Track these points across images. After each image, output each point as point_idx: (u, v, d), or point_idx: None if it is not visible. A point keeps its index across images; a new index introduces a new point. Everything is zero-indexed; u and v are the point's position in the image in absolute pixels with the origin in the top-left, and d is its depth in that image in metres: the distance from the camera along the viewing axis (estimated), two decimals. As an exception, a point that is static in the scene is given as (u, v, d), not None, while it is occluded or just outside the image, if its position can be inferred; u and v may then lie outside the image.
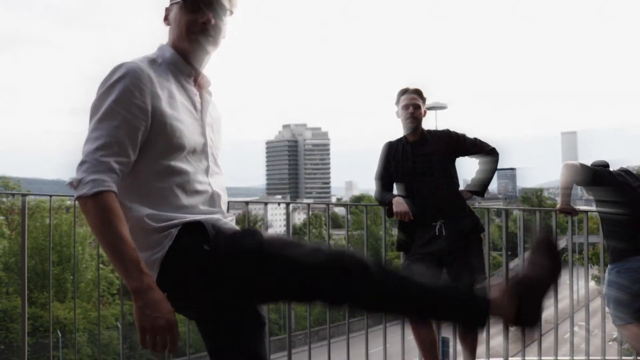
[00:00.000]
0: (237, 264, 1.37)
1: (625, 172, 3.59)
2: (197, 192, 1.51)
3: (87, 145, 1.37)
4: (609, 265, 3.48)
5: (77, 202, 1.35)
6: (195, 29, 1.52)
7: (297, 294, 1.43)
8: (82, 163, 1.35)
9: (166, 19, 1.59)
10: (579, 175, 3.43)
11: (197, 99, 1.58)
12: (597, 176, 3.46)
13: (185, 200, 1.47)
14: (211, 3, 1.52)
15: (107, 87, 1.40)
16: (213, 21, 1.53)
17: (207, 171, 1.56)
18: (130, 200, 1.42)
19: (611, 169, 3.65)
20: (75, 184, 1.35)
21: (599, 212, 3.60)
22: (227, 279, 1.38)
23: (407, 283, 1.37)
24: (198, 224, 1.44)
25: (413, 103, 3.27)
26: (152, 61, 1.52)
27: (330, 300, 1.42)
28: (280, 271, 1.36)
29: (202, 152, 1.55)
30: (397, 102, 3.36)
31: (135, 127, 1.39)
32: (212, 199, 1.55)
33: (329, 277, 1.34)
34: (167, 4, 1.60)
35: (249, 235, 1.46)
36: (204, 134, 1.56)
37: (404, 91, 3.33)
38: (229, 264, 1.38)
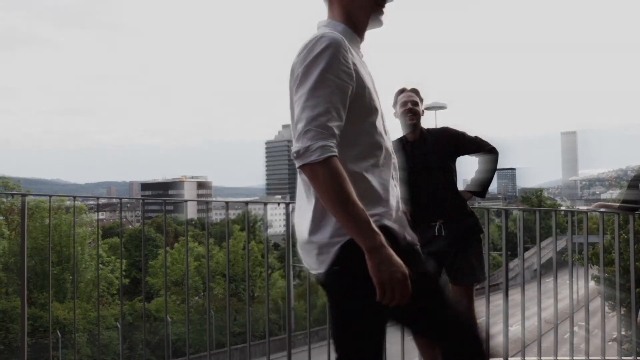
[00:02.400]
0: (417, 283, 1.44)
1: None
2: (385, 149, 1.58)
3: (305, 112, 1.40)
4: None
5: (300, 170, 1.40)
6: (380, 2, 1.59)
7: (431, 334, 1.62)
8: (306, 131, 1.38)
9: None
10: None
11: (368, 69, 1.64)
12: None
13: (381, 169, 1.55)
14: None
15: (313, 57, 1.43)
16: None
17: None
18: (344, 161, 1.45)
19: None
20: (301, 152, 1.38)
21: None
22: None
23: None
24: (385, 228, 1.48)
25: (411, 100, 3.26)
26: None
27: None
28: (435, 310, 1.53)
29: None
30: (395, 103, 3.35)
31: (345, 93, 1.44)
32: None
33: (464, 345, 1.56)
34: None
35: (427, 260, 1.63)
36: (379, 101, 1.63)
37: (401, 90, 3.33)
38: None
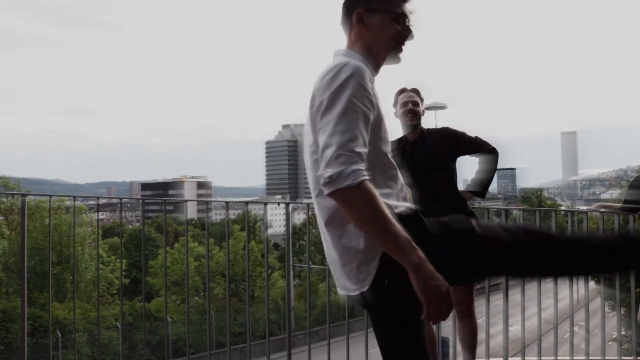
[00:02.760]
0: (455, 245, 1.51)
1: None
2: (399, 180, 1.64)
3: (335, 137, 1.40)
4: None
5: (330, 194, 1.39)
6: (400, 41, 1.64)
7: (509, 269, 1.64)
8: (338, 156, 1.38)
9: (360, 21, 1.63)
10: None
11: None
12: None
13: (395, 189, 1.60)
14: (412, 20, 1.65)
15: (340, 84, 1.45)
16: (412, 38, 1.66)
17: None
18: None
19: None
20: (334, 177, 1.37)
21: None
22: (445, 260, 1.46)
23: (587, 245, 1.64)
24: (415, 213, 1.55)
25: (412, 100, 3.26)
26: None
27: (538, 271, 1.67)
28: (490, 250, 1.54)
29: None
30: (395, 103, 3.35)
31: (368, 119, 1.47)
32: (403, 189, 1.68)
33: (532, 252, 1.58)
34: (362, 7, 1.64)
35: (460, 221, 1.62)
36: None
37: (402, 90, 3.32)
38: (448, 245, 1.51)
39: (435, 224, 1.56)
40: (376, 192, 1.38)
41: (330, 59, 1.62)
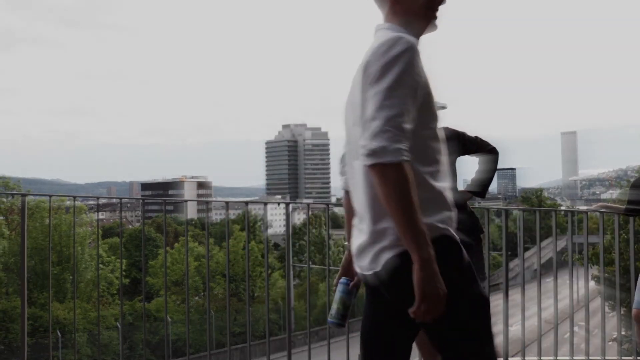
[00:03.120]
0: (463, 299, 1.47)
1: None
2: (442, 161, 1.59)
3: (383, 111, 1.40)
4: None
5: (369, 166, 1.39)
6: (433, 7, 1.62)
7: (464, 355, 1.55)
8: (383, 131, 1.38)
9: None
10: None
11: None
12: None
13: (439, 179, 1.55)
14: None
15: (392, 57, 1.44)
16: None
17: None
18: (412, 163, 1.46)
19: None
20: (377, 151, 1.37)
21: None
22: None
23: None
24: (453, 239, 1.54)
25: None
26: None
27: None
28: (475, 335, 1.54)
29: None
30: None
31: (416, 97, 1.46)
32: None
33: None
34: None
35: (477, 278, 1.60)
36: None
37: None
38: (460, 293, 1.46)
39: (467, 259, 1.54)
40: (411, 176, 1.38)
41: (370, 36, 1.63)
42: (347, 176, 1.78)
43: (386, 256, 1.48)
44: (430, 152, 1.53)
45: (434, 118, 1.55)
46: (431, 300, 1.38)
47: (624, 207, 3.81)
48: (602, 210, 4.03)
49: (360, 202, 1.59)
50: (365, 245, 1.55)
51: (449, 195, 1.57)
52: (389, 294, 1.55)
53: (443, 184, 1.54)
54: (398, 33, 1.52)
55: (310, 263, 5.28)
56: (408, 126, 1.41)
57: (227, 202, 4.02)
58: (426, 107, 1.51)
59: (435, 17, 1.63)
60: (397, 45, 1.45)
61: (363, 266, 1.57)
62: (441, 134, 1.60)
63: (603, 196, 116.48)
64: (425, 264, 1.37)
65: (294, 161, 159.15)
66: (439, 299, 1.38)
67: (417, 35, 1.62)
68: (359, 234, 1.60)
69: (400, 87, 1.42)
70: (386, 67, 1.43)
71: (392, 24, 1.61)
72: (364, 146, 1.40)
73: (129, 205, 60.36)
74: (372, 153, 1.38)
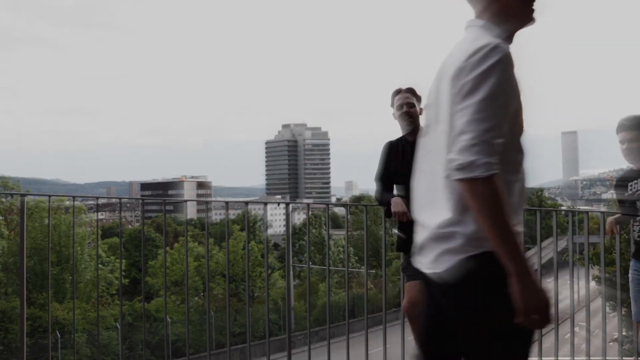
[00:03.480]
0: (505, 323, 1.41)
1: None
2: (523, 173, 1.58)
3: (473, 125, 1.37)
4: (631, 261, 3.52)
5: (458, 181, 1.37)
6: (532, 6, 1.54)
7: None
8: (473, 145, 1.36)
9: None
10: None
11: None
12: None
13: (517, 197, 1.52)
14: None
15: (487, 68, 1.39)
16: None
17: None
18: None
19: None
20: (465, 165, 1.36)
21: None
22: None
23: None
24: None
25: (407, 102, 3.26)
26: None
27: None
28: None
29: None
30: (392, 104, 3.35)
31: (509, 109, 1.43)
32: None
33: None
34: None
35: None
36: None
37: (397, 91, 3.32)
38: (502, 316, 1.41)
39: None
40: (502, 188, 1.37)
41: (461, 32, 1.58)
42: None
43: (450, 259, 1.47)
44: (516, 161, 1.53)
45: (522, 130, 1.53)
46: (536, 311, 1.37)
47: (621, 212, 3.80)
48: (603, 209, 4.03)
49: (426, 199, 1.58)
50: (428, 243, 1.54)
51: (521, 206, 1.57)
52: (444, 298, 1.53)
53: (519, 194, 1.54)
54: (492, 36, 1.47)
55: (310, 263, 5.26)
56: (500, 141, 1.38)
57: (227, 202, 4.01)
58: (518, 118, 1.49)
59: (532, 14, 1.55)
60: (492, 55, 1.40)
61: (424, 263, 1.56)
62: (524, 145, 1.57)
63: (604, 196, 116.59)
64: (523, 276, 1.36)
65: (293, 161, 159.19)
66: (543, 307, 1.37)
67: (512, 32, 1.56)
68: (422, 229, 1.58)
69: (493, 100, 1.38)
70: (480, 79, 1.39)
71: (486, 22, 1.54)
72: (453, 160, 1.38)
73: (128, 205, 60.36)
74: (460, 167, 1.36)
